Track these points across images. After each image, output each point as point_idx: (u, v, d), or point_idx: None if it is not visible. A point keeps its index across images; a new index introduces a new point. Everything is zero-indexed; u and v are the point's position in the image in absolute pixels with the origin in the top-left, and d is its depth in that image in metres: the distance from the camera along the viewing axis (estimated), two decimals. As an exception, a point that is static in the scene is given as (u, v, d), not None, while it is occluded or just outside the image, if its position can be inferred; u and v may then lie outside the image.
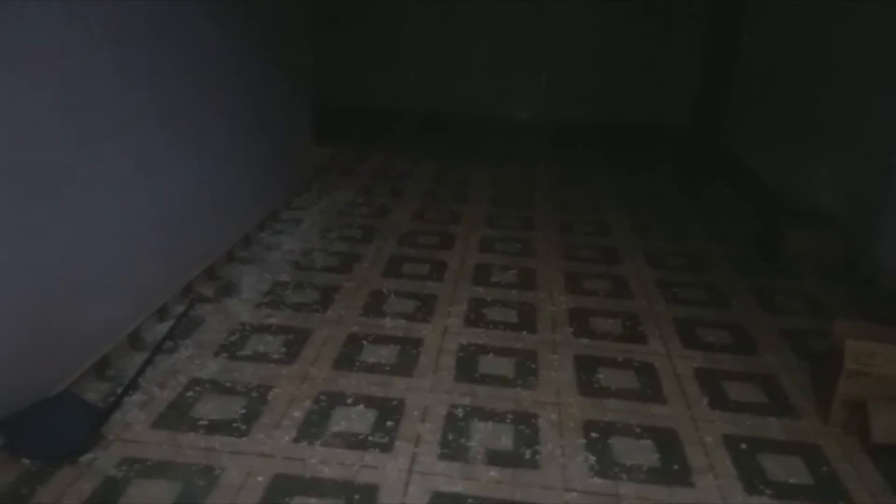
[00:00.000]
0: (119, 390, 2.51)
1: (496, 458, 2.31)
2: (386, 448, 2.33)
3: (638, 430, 2.50)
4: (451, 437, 2.40)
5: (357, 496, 2.10)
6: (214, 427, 2.39)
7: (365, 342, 3.00)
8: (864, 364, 2.45)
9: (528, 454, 2.34)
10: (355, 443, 2.35)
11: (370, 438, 2.37)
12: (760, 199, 5.25)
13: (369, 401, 2.58)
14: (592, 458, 2.34)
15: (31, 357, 2.25)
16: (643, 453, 2.38)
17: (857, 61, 4.21)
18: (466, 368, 2.84)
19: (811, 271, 3.97)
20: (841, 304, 3.61)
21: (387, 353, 2.92)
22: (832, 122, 4.47)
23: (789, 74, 5.26)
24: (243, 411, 2.48)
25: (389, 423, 2.46)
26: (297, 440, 2.34)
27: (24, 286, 2.19)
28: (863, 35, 4.16)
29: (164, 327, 2.97)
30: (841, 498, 2.23)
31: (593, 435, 2.46)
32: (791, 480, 2.29)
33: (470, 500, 2.12)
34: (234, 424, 2.40)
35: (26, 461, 2.14)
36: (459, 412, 2.54)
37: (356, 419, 2.47)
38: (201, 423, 2.41)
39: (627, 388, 2.76)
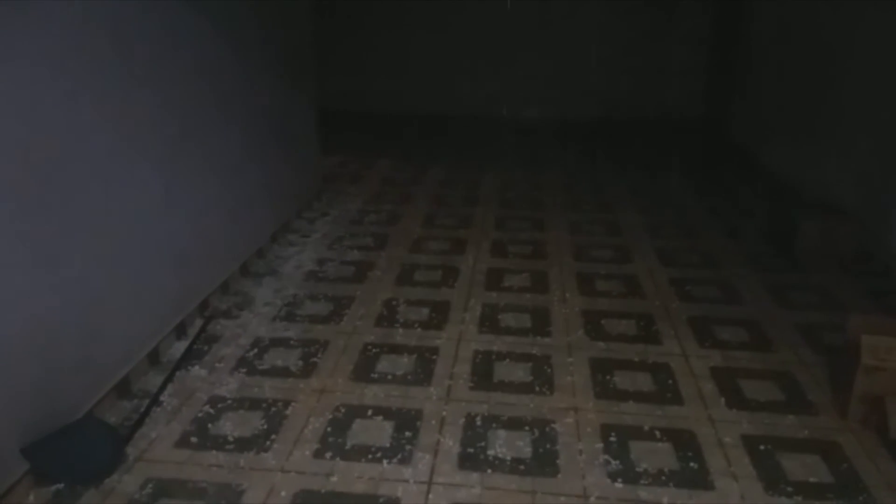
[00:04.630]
0: (141, 410, 2.55)
1: (515, 466, 2.32)
2: (405, 459, 2.35)
3: (656, 432, 2.51)
4: (469, 445, 2.42)
5: (379, 509, 2.13)
6: (236, 444, 2.41)
7: (381, 352, 3.02)
8: (881, 359, 2.44)
9: (546, 461, 2.35)
10: (375, 455, 2.37)
11: (389, 450, 2.39)
12: (772, 191, 5.22)
13: (387, 412, 2.61)
14: (611, 463, 2.34)
15: (52, 382, 2.28)
16: (662, 456, 2.38)
17: (872, 49, 4.17)
18: (482, 376, 2.85)
19: (825, 264, 3.95)
20: (856, 297, 3.59)
21: (403, 363, 2.94)
22: (845, 112, 4.45)
23: (800, 63, 5.23)
24: (264, 427, 2.51)
25: (408, 434, 2.48)
26: (318, 454, 2.37)
27: (43, 311, 2.22)
28: (879, 21, 4.10)
29: (182, 345, 3.01)
30: (861, 494, 2.22)
31: (611, 439, 2.47)
32: (811, 479, 2.29)
33: (491, 510, 2.13)
34: (256, 441, 2.43)
35: (56, 485, 2.18)
36: (477, 420, 2.56)
37: (375, 431, 2.50)
38: (223, 440, 2.44)
39: (644, 391, 2.77)
